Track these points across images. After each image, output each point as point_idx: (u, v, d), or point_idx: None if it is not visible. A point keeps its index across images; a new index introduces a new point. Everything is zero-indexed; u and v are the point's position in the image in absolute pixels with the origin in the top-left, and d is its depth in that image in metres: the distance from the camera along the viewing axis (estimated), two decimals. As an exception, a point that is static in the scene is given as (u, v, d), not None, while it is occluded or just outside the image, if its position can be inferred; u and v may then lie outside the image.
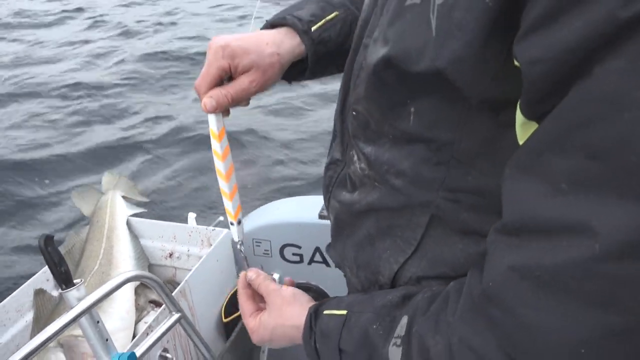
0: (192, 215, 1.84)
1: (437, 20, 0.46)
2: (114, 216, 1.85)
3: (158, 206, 3.25)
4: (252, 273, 0.81)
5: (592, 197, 0.37)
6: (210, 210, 3.26)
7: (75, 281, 1.04)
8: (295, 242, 1.72)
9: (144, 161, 4.02)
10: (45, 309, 1.57)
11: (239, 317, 1.71)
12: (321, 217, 1.66)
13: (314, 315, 0.68)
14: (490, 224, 0.52)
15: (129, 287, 1.73)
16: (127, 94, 5.26)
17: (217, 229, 1.76)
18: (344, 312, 0.64)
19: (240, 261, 0.89)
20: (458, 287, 0.53)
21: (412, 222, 0.61)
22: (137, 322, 1.71)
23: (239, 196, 0.80)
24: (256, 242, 1.77)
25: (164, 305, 1.51)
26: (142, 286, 1.87)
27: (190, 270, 1.60)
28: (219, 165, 0.74)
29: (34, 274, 1.59)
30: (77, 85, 5.43)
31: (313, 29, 0.75)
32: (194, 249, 1.81)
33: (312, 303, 0.73)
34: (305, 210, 1.74)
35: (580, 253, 0.38)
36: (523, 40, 0.40)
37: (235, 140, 4.00)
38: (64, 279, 1.04)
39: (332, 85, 4.48)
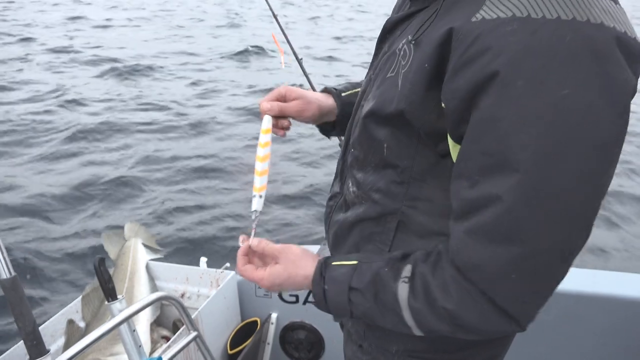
0: (203, 260, 2.08)
1: (401, 81, 0.73)
2: (135, 261, 2.09)
3: (174, 249, 3.53)
4: (255, 241, 0.90)
5: (493, 179, 0.63)
6: (219, 254, 3.52)
7: (118, 296, 1.28)
8: (292, 285, 1.96)
9: (163, 209, 4.38)
10: (74, 337, 1.77)
11: (243, 349, 1.91)
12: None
13: (324, 265, 0.83)
14: (438, 224, 0.79)
15: (146, 322, 1.93)
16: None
17: (225, 271, 2.00)
18: (355, 262, 0.81)
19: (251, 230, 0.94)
20: (445, 246, 0.73)
21: (385, 228, 0.83)
22: (150, 354, 1.91)
23: (266, 181, 0.94)
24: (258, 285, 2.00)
25: (182, 328, 1.73)
26: (155, 323, 2.07)
27: (198, 309, 1.82)
28: (259, 152, 0.94)
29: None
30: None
31: (343, 94, 1.08)
32: (203, 289, 2.03)
33: (317, 258, 0.87)
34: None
35: (498, 211, 0.63)
36: (445, 88, 0.66)
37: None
38: (110, 294, 1.27)
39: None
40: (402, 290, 0.74)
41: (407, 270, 0.76)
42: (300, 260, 0.86)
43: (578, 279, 1.76)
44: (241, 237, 0.92)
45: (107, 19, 13.64)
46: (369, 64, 0.93)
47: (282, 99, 1.01)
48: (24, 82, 8.07)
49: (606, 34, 0.60)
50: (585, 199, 0.63)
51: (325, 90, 1.10)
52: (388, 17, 0.88)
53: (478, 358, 0.90)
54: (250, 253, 0.91)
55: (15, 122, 6.37)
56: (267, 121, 0.97)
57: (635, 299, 1.69)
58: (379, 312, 0.78)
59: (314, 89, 1.81)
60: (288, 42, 1.82)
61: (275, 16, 1.85)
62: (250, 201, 0.94)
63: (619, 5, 0.66)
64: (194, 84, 8.23)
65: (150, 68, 9.00)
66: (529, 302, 0.68)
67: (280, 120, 1.01)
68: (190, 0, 18.24)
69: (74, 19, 13.58)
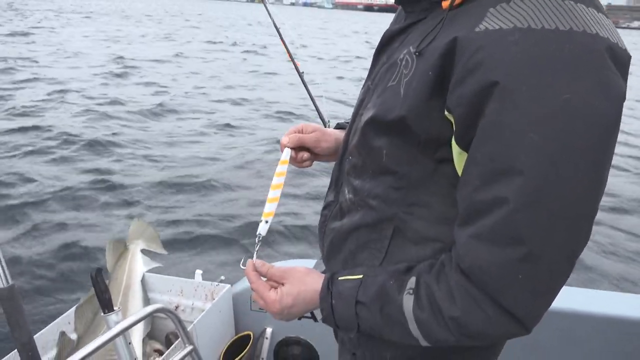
0: (198, 272, 2.05)
1: (404, 89, 0.74)
2: (131, 275, 2.04)
3: (169, 261, 3.49)
4: (259, 262, 0.90)
5: (499, 182, 0.63)
6: (215, 266, 3.49)
7: (115, 308, 1.25)
8: (287, 299, 1.93)
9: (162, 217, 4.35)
10: (65, 350, 1.73)
11: (236, 362, 1.88)
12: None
13: (330, 280, 0.83)
14: (434, 230, 0.79)
15: (138, 336, 1.89)
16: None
17: (220, 284, 1.97)
18: (360, 276, 0.81)
19: (253, 252, 0.94)
20: (448, 255, 0.74)
21: (381, 235, 0.83)
22: (143, 368, 1.86)
23: (275, 207, 0.97)
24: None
25: (177, 342, 1.69)
26: (147, 336, 2.03)
27: (192, 322, 1.79)
28: (273, 180, 0.99)
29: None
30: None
31: None
32: (198, 302, 1.99)
33: (323, 275, 0.87)
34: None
35: (504, 213, 0.63)
36: (450, 95, 0.68)
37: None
38: (107, 305, 1.24)
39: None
40: (407, 302, 0.74)
41: (411, 282, 0.76)
42: (307, 276, 0.87)
43: (572, 298, 1.75)
44: (244, 260, 0.93)
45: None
46: (366, 75, 0.93)
47: (300, 133, 1.05)
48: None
49: (601, 43, 0.63)
50: (587, 198, 0.64)
51: (339, 126, 1.12)
52: (385, 30, 0.89)
53: None
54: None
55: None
56: (285, 153, 1.02)
57: (628, 319, 1.68)
58: (386, 325, 0.78)
59: (315, 104, 1.81)
60: (290, 55, 1.83)
61: (281, 36, 1.86)
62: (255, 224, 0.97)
63: (609, 19, 0.69)
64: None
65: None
66: (535, 303, 0.68)
67: (300, 153, 1.05)
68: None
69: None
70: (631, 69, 0.70)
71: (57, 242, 3.86)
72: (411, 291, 0.74)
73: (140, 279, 2.03)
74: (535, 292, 0.67)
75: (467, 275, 0.69)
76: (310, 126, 1.06)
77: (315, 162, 1.11)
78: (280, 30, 1.88)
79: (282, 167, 1.00)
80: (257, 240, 0.96)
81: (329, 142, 1.05)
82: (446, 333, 0.72)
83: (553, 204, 0.63)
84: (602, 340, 1.70)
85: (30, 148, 5.96)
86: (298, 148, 1.04)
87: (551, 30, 0.62)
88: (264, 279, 0.90)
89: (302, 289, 0.85)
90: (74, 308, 1.82)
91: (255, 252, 0.93)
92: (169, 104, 8.82)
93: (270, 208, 0.97)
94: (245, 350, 1.91)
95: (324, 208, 1.00)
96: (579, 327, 1.70)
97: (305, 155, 1.05)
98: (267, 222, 0.96)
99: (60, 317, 1.75)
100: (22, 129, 6.64)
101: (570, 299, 1.74)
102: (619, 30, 0.71)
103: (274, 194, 0.97)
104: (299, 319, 0.90)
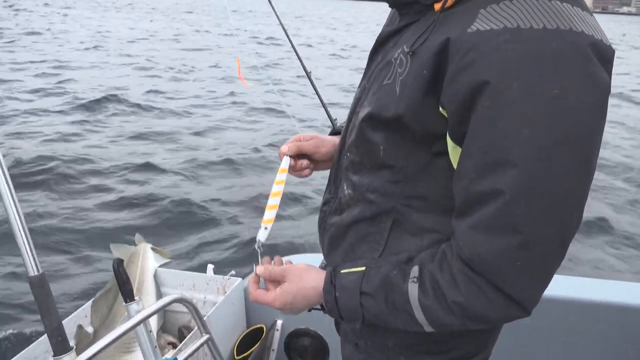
0: (210, 267, 2.08)
1: (399, 88, 0.77)
2: (143, 270, 2.08)
3: (182, 256, 3.57)
4: (260, 268, 0.93)
5: (494, 174, 0.67)
6: (226, 261, 3.56)
7: (135, 298, 1.29)
8: (297, 292, 1.97)
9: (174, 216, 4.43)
10: (82, 342, 1.77)
11: (250, 354, 1.92)
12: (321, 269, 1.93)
13: (333, 273, 0.86)
14: (430, 221, 0.83)
15: (153, 329, 1.93)
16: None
17: (232, 278, 2.00)
18: (363, 268, 0.84)
19: (257, 257, 0.97)
20: (449, 245, 0.77)
21: (380, 228, 0.86)
22: (157, 360, 1.90)
23: (275, 214, 0.99)
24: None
25: (192, 332, 1.73)
26: (160, 331, 2.07)
27: (205, 315, 1.82)
28: (273, 188, 1.01)
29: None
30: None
31: None
32: (210, 296, 2.03)
33: (323, 271, 0.89)
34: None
35: (499, 204, 0.67)
36: (444, 93, 0.71)
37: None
38: (128, 294, 1.28)
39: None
40: (412, 289, 0.78)
41: (414, 271, 0.79)
42: (306, 273, 0.90)
43: (572, 287, 1.79)
44: (255, 266, 0.96)
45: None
46: (362, 75, 0.96)
47: (299, 141, 1.07)
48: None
49: (586, 40, 0.67)
50: (577, 187, 0.68)
51: (334, 132, 1.15)
52: (380, 32, 0.93)
53: (469, 346, 0.92)
54: (265, 281, 0.94)
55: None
56: (285, 162, 1.05)
57: (627, 306, 1.73)
58: (391, 313, 0.81)
59: (322, 102, 1.85)
60: (297, 55, 1.86)
61: (285, 32, 1.90)
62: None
63: (594, 17, 0.73)
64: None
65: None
66: (534, 287, 0.72)
67: (299, 161, 1.07)
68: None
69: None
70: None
71: (81, 230, 3.97)
72: (415, 280, 0.78)
73: (153, 274, 2.06)
74: (532, 276, 0.71)
75: (467, 264, 0.73)
76: (308, 134, 1.09)
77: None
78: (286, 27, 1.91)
79: (282, 176, 1.03)
80: (256, 247, 0.98)
81: (327, 147, 1.08)
82: (451, 317, 0.76)
83: (545, 194, 0.67)
84: (600, 327, 1.74)
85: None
86: (297, 156, 1.07)
87: (539, 29, 0.66)
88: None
89: (300, 286, 0.88)
90: (90, 302, 1.86)
91: (260, 259, 0.96)
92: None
93: (269, 215, 0.99)
94: (258, 342, 1.95)
95: (324, 204, 1.02)
96: (577, 314, 1.73)
97: (305, 162, 1.08)
98: (266, 228, 0.99)
99: (76, 311, 1.79)
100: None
101: (570, 287, 1.78)
102: (608, 16, 0.74)
103: (273, 201, 1.00)
104: (309, 310, 0.93)
